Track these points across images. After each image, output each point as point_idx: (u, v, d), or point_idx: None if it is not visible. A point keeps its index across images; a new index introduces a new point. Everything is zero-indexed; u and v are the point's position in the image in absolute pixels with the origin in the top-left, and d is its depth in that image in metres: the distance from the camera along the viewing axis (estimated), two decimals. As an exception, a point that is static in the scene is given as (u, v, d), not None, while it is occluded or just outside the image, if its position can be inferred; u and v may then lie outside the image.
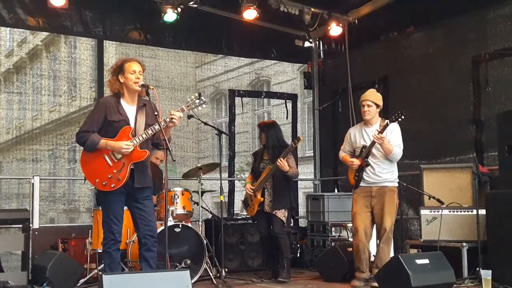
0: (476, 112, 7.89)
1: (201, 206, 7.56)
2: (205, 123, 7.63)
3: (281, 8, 8.77)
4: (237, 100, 10.10)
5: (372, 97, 6.76)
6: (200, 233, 7.14)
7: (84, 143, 5.28)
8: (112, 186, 5.21)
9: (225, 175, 9.17)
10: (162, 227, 6.23)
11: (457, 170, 7.33)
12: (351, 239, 7.55)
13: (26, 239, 6.91)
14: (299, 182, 10.58)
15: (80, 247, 7.36)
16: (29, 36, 11.37)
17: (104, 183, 5.21)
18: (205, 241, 7.04)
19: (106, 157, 5.25)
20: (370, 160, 6.67)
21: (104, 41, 9.06)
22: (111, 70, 5.50)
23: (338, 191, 9.41)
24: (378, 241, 6.76)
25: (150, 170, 5.55)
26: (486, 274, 5.96)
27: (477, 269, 6.33)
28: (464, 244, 6.63)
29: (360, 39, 9.38)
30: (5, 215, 7.16)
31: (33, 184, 7.81)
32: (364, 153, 6.69)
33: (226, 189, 9.31)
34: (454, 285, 5.96)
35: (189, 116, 6.37)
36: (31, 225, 7.26)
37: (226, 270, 7.32)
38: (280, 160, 6.97)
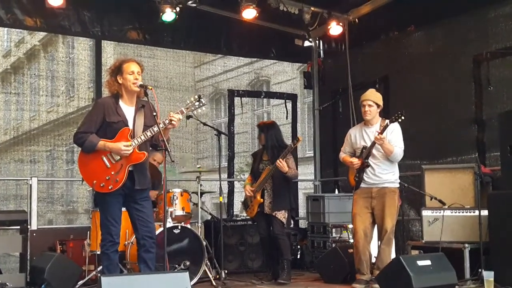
0: (478, 112, 7.85)
1: (201, 207, 7.53)
2: (204, 124, 7.60)
3: (280, 7, 8.74)
4: (237, 100, 10.05)
5: (373, 97, 6.72)
6: (199, 234, 7.10)
7: (82, 144, 5.24)
8: (110, 187, 5.17)
9: (224, 175, 9.12)
10: (161, 229, 6.18)
11: (459, 170, 7.28)
12: (351, 240, 7.51)
13: (24, 240, 6.87)
14: (299, 183, 10.55)
15: (78, 249, 7.32)
16: (26, 36, 11.35)
17: (101, 185, 5.18)
18: (204, 243, 7.01)
19: (104, 159, 5.21)
20: (371, 160, 6.62)
21: (102, 41, 9.02)
22: (109, 70, 5.46)
23: (338, 192, 9.38)
24: (379, 242, 6.72)
25: (149, 171, 5.51)
26: (488, 276, 5.92)
27: (479, 270, 6.29)
28: (466, 245, 6.59)
29: (361, 39, 9.34)
30: (3, 217, 7.14)
31: (31, 185, 7.79)
32: (365, 154, 6.65)
33: (225, 190, 9.27)
34: (456, 287, 5.92)
35: (188, 117, 6.33)
36: (29, 226, 7.24)
37: (226, 271, 7.30)
38: (280, 161, 6.92)
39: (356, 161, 6.67)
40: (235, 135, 10.15)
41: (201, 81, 12.39)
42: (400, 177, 6.81)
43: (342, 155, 7.00)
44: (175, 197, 7.14)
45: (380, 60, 9.23)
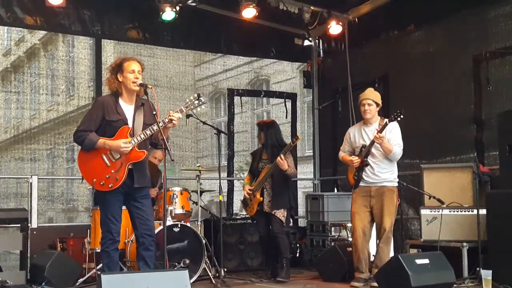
0: (477, 112, 7.86)
1: (200, 206, 7.54)
2: (204, 123, 7.60)
3: (280, 6, 8.75)
4: (236, 99, 10.05)
5: (372, 96, 6.74)
6: (199, 232, 7.11)
7: (82, 142, 5.25)
8: (109, 186, 5.18)
9: (224, 174, 9.14)
10: (161, 227, 6.20)
11: (457, 169, 7.30)
12: (350, 239, 7.52)
13: (25, 238, 6.88)
14: (298, 181, 10.55)
15: (78, 247, 7.33)
16: (27, 35, 11.36)
17: (101, 183, 5.19)
18: (204, 241, 7.02)
19: (104, 157, 5.22)
20: (370, 159, 6.64)
21: (102, 40, 9.02)
22: (110, 68, 5.46)
23: (337, 190, 9.38)
24: (377, 241, 6.74)
25: (149, 169, 5.53)
26: (486, 274, 5.93)
27: (477, 269, 6.30)
28: (465, 244, 6.61)
29: (360, 38, 9.35)
30: (3, 215, 7.14)
31: (31, 183, 7.80)
32: (364, 153, 6.67)
33: (225, 188, 9.28)
34: (454, 285, 5.93)
35: (188, 116, 6.33)
36: (29, 224, 7.25)
37: (225, 269, 7.30)
38: (280, 158, 6.94)
39: (356, 159, 6.69)
40: (235, 134, 10.15)
41: (201, 80, 12.40)
42: (399, 176, 6.83)
43: (341, 154, 7.02)
44: (175, 196, 7.15)
45: (380, 60, 9.24)
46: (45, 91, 10.12)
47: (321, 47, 10.34)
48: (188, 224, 7.13)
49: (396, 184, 6.76)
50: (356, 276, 6.63)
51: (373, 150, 6.63)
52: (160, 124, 5.17)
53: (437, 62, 8.33)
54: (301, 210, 10.17)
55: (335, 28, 9.17)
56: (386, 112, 7.38)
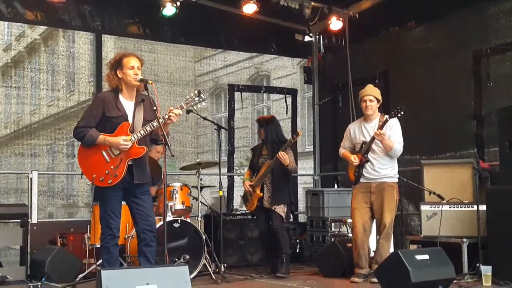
0: (477, 108, 7.87)
1: (200, 202, 7.54)
2: (205, 118, 7.60)
3: (281, 2, 8.74)
4: (237, 95, 10.05)
5: (374, 92, 6.76)
6: (199, 228, 7.12)
7: (82, 138, 5.26)
8: (109, 182, 5.19)
9: (224, 170, 9.14)
10: (161, 222, 6.20)
11: (457, 165, 7.31)
12: (350, 235, 7.53)
13: (25, 234, 6.90)
14: (298, 177, 10.55)
15: (78, 242, 7.33)
16: (27, 30, 11.33)
17: (101, 179, 5.19)
18: (204, 237, 7.02)
19: (104, 153, 5.22)
20: (370, 155, 6.65)
21: (103, 35, 9.01)
22: (109, 64, 5.47)
23: (338, 186, 9.39)
24: (377, 237, 6.75)
25: (149, 165, 5.53)
26: (486, 270, 5.97)
27: (477, 265, 6.31)
28: (465, 240, 6.61)
29: (361, 34, 9.34)
30: (4, 210, 7.16)
31: (31, 179, 7.81)
32: (364, 149, 6.68)
33: (225, 184, 9.28)
34: (454, 281, 5.93)
35: (188, 111, 6.34)
36: (29, 220, 7.26)
37: (225, 265, 7.32)
38: (281, 153, 6.94)
39: (356, 161, 6.69)
40: (235, 130, 10.15)
41: (201, 75, 12.36)
42: (399, 172, 6.84)
43: (341, 150, 7.02)
44: (175, 191, 7.15)
45: (380, 56, 9.23)
46: (45, 86, 10.10)
47: (321, 43, 10.34)
48: (188, 220, 7.13)
49: (396, 180, 6.77)
50: (356, 272, 6.65)
51: (373, 146, 6.63)
52: (160, 120, 5.17)
53: (437, 58, 8.33)
54: (301, 205, 10.17)
55: (335, 23, 9.16)
56: (386, 108, 7.39)
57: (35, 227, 7.50)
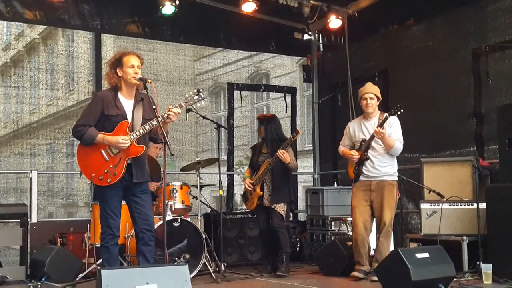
0: (477, 105, 7.86)
1: (200, 200, 7.53)
2: (204, 117, 7.60)
3: (280, 0, 8.73)
4: (236, 93, 10.05)
5: (374, 90, 6.76)
6: (199, 227, 7.11)
7: (81, 137, 5.25)
8: (108, 181, 5.18)
9: (224, 169, 9.14)
10: (161, 222, 6.19)
11: (457, 163, 7.30)
12: (350, 233, 7.53)
13: (24, 233, 6.89)
14: (298, 176, 10.56)
15: (78, 242, 7.33)
16: (26, 29, 11.33)
17: (100, 178, 5.19)
18: (204, 236, 7.02)
19: (103, 152, 5.22)
20: (370, 153, 6.65)
21: (102, 34, 9.00)
22: (109, 63, 5.47)
23: (337, 185, 9.39)
24: (377, 235, 6.75)
25: (148, 164, 5.52)
26: (486, 268, 5.96)
27: (478, 263, 6.31)
28: (464, 238, 6.61)
29: (360, 32, 9.34)
30: (3, 210, 7.15)
31: (31, 178, 7.79)
32: (364, 147, 6.67)
33: (225, 183, 9.28)
34: (454, 279, 5.92)
35: (188, 110, 6.32)
36: (29, 219, 7.26)
37: (225, 264, 7.31)
38: (281, 152, 6.94)
39: (356, 154, 6.69)
40: (235, 129, 10.16)
41: (201, 74, 12.36)
42: (398, 170, 6.84)
43: (341, 148, 7.02)
44: (174, 190, 7.14)
45: (380, 54, 9.23)
46: (44, 85, 10.10)
47: (320, 41, 10.33)
48: (188, 219, 7.13)
49: (396, 178, 6.76)
50: (356, 269, 6.64)
51: (373, 144, 6.63)
52: (160, 119, 5.17)
53: (436, 56, 8.33)
54: (301, 204, 10.17)
55: (334, 22, 9.15)
56: (385, 106, 7.38)
57: (34, 227, 7.50)
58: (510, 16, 7.53)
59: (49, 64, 10.74)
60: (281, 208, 7.17)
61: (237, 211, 8.73)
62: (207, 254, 7.06)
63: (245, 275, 7.21)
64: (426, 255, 5.67)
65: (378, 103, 6.79)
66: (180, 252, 6.73)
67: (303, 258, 8.64)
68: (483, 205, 6.51)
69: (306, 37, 10.03)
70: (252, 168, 7.51)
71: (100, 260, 5.83)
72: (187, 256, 6.68)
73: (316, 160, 10.37)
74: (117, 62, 5.35)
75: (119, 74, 5.33)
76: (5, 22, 9.82)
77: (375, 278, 6.14)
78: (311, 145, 10.77)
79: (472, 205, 6.72)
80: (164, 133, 5.17)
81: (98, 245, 5.99)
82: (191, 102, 5.43)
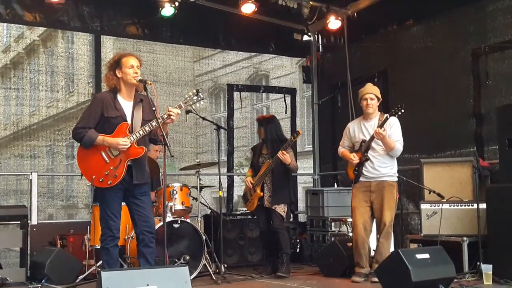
0: (476, 106, 7.86)
1: (200, 202, 7.53)
2: (204, 118, 7.60)
3: (279, 1, 8.74)
4: (236, 94, 10.06)
5: (374, 90, 6.77)
6: (199, 228, 7.11)
7: (81, 139, 5.25)
8: (108, 182, 5.18)
9: (223, 170, 9.13)
10: (161, 223, 6.19)
11: (457, 164, 7.30)
12: (350, 234, 7.53)
13: (24, 235, 6.90)
14: (298, 177, 10.55)
15: (78, 243, 7.33)
16: (26, 31, 11.34)
17: (100, 180, 5.19)
18: (204, 237, 7.02)
19: (103, 154, 5.22)
20: (370, 154, 6.65)
21: (102, 36, 9.01)
22: (108, 65, 5.48)
23: (337, 185, 9.39)
24: (378, 236, 6.74)
25: (148, 166, 5.52)
26: (486, 269, 5.96)
27: (478, 263, 6.32)
28: (465, 238, 6.61)
29: (359, 33, 9.35)
30: (3, 212, 7.16)
31: (31, 180, 7.79)
32: (364, 148, 6.67)
33: (225, 184, 9.27)
34: (455, 280, 5.92)
35: (188, 111, 6.33)
36: (29, 221, 7.28)
37: (225, 265, 7.31)
38: (282, 153, 6.94)
39: (355, 159, 6.69)
40: (235, 130, 10.17)
41: (200, 75, 12.34)
42: (398, 171, 6.84)
43: (341, 149, 7.02)
44: (174, 192, 7.14)
45: (379, 54, 9.23)
46: (44, 87, 10.10)
47: (320, 42, 10.34)
48: (188, 220, 7.13)
49: (396, 179, 6.76)
50: (356, 271, 6.64)
51: (373, 144, 6.63)
52: (159, 121, 5.17)
53: (436, 57, 8.33)
54: (301, 205, 10.17)
55: (334, 23, 9.15)
56: (385, 107, 7.38)
57: (35, 229, 7.50)
58: (509, 16, 7.53)
59: (49, 66, 10.73)
60: (281, 209, 7.18)
61: (237, 212, 8.73)
62: (207, 256, 7.06)
63: (245, 276, 7.21)
64: (427, 255, 5.68)
65: (378, 104, 6.79)
66: (180, 254, 6.73)
67: (303, 259, 8.64)
68: (483, 206, 6.51)
69: (305, 38, 10.03)
70: (252, 169, 7.51)
71: (100, 262, 5.83)
72: (187, 257, 6.68)
73: (316, 161, 10.37)
74: (116, 64, 5.36)
75: (118, 75, 5.33)
76: (5, 24, 9.82)
77: (376, 279, 6.14)
78: (311, 146, 10.77)
79: (472, 205, 6.72)
80: (164, 134, 5.17)
81: (98, 247, 5.99)
82: (191, 103, 5.43)
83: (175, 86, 10.80)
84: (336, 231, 8.33)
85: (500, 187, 6.58)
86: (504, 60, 7.57)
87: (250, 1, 8.45)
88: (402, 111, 6.44)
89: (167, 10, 8.35)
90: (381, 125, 6.48)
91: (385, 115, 6.54)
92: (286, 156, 6.96)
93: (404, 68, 8.83)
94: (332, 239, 8.05)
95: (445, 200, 6.96)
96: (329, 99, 10.14)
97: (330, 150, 9.70)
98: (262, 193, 7.24)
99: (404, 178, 7.00)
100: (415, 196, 7.82)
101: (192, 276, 6.33)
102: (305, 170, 11.30)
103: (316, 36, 10.26)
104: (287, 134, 8.20)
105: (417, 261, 5.55)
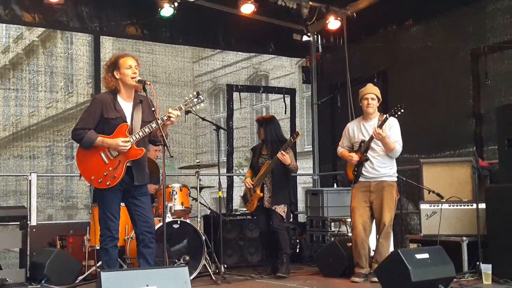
0: (476, 106, 7.86)
1: (200, 202, 7.53)
2: (203, 119, 7.59)
3: (278, 2, 8.73)
4: (235, 95, 10.06)
5: (374, 91, 6.77)
6: (198, 229, 7.11)
7: (80, 140, 5.25)
8: (107, 183, 5.18)
9: (223, 170, 9.13)
10: (160, 224, 6.19)
11: (456, 164, 7.30)
12: (350, 234, 7.52)
13: (24, 236, 6.91)
14: (298, 177, 10.55)
15: (78, 244, 7.32)
16: (25, 32, 11.33)
17: (99, 181, 5.18)
18: (203, 237, 7.02)
19: (102, 155, 5.22)
20: (369, 154, 6.65)
21: (101, 36, 9.00)
22: (105, 67, 5.47)
23: (337, 186, 9.39)
24: (377, 236, 6.74)
25: (148, 166, 5.52)
26: (486, 268, 5.96)
27: (477, 263, 6.31)
28: (464, 238, 6.61)
29: (359, 33, 9.35)
30: (3, 212, 7.16)
31: (30, 181, 7.78)
32: (363, 148, 6.67)
33: (224, 184, 9.27)
34: (454, 280, 5.92)
35: (187, 112, 6.33)
36: (28, 222, 7.28)
37: (225, 266, 7.31)
38: (282, 153, 6.94)
39: (355, 158, 6.69)
40: (234, 130, 10.16)
41: (200, 76, 12.34)
42: (398, 171, 6.84)
43: (340, 149, 7.02)
44: (174, 192, 7.15)
45: (379, 55, 9.23)
46: (43, 88, 10.11)
47: (319, 43, 10.33)
48: (188, 221, 7.13)
49: (396, 179, 6.76)
50: (356, 271, 6.64)
51: (372, 145, 6.63)
52: (159, 122, 5.17)
53: (435, 57, 8.33)
54: (301, 205, 10.16)
55: (333, 23, 9.15)
56: (385, 107, 7.38)
57: (34, 229, 7.50)
58: (509, 16, 7.53)
59: (48, 66, 10.74)
60: (281, 209, 7.18)
61: (237, 213, 8.73)
62: (207, 256, 7.06)
63: (245, 276, 7.21)
64: (426, 255, 5.67)
65: (378, 105, 6.79)
66: (180, 254, 6.73)
67: (303, 259, 8.64)
68: (482, 206, 6.51)
69: (305, 38, 10.02)
70: (252, 170, 7.51)
71: (100, 263, 5.83)
72: (187, 257, 6.69)
73: (315, 161, 10.37)
74: (114, 65, 5.35)
75: (117, 76, 5.32)
76: (4, 24, 9.82)
77: (375, 279, 6.14)
78: (311, 146, 10.77)
79: (471, 205, 6.72)
80: (164, 135, 5.16)
81: (98, 247, 5.99)
82: (191, 105, 5.43)
83: (175, 86, 10.80)
84: (336, 231, 8.33)
85: (500, 187, 6.58)
86: (504, 60, 7.57)
87: (250, 2, 8.45)
88: (402, 111, 6.44)
89: (166, 11, 8.35)
90: (380, 125, 6.48)
91: (385, 115, 6.55)
92: (285, 157, 6.97)
93: (403, 68, 8.83)
94: (332, 239, 8.05)
95: (444, 200, 6.96)
96: (328, 100, 10.13)
97: (329, 150, 9.69)
98: (262, 194, 7.24)
99: (404, 178, 7.00)
100: (415, 196, 7.81)
101: (192, 277, 6.33)
102: (305, 171, 11.30)
103: (315, 36, 10.26)
104: (287, 134, 8.20)
105: (417, 261, 5.55)
